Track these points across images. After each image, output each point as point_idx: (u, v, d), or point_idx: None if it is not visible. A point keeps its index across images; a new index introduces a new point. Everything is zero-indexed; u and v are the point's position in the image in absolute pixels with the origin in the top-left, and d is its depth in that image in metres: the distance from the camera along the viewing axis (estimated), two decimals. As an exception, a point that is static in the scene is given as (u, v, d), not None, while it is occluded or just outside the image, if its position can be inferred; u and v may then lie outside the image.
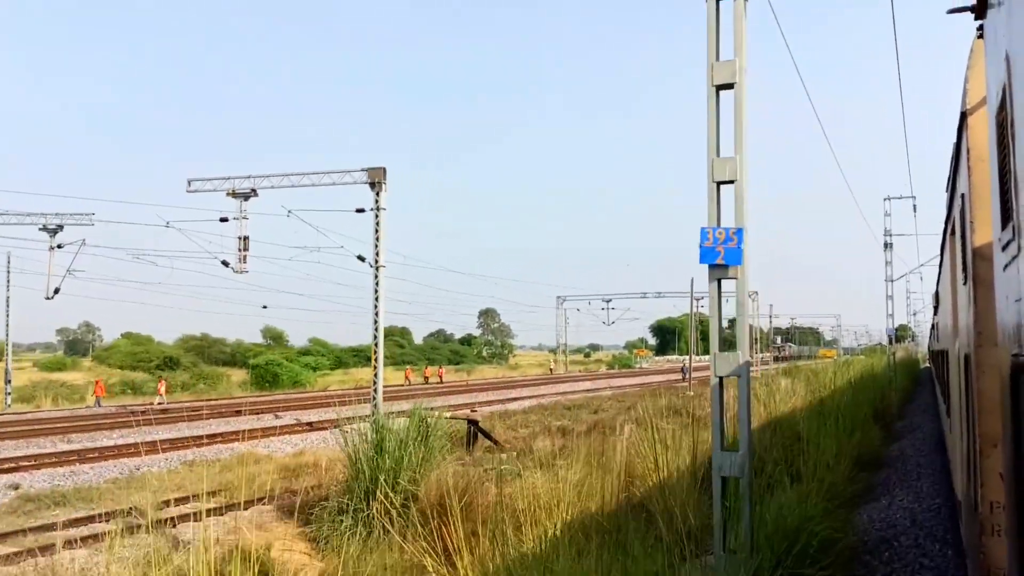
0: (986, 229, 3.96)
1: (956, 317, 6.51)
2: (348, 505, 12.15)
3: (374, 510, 11.54)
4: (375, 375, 25.63)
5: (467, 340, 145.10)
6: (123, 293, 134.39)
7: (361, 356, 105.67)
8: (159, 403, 39.34)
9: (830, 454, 11.60)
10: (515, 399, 40.63)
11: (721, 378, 6.46)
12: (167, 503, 14.23)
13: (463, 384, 62.53)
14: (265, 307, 55.12)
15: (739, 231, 6.13)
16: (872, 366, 34.16)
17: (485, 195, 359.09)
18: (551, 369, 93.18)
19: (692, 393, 32.71)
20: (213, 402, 42.11)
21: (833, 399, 18.39)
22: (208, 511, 13.86)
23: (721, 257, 6.11)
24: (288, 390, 57.23)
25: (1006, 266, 2.63)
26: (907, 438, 18.17)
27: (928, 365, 43.61)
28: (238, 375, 67.58)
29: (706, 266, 6.25)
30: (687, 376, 45.09)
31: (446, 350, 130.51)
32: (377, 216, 25.30)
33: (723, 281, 6.35)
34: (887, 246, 26.98)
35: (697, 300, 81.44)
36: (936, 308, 18.00)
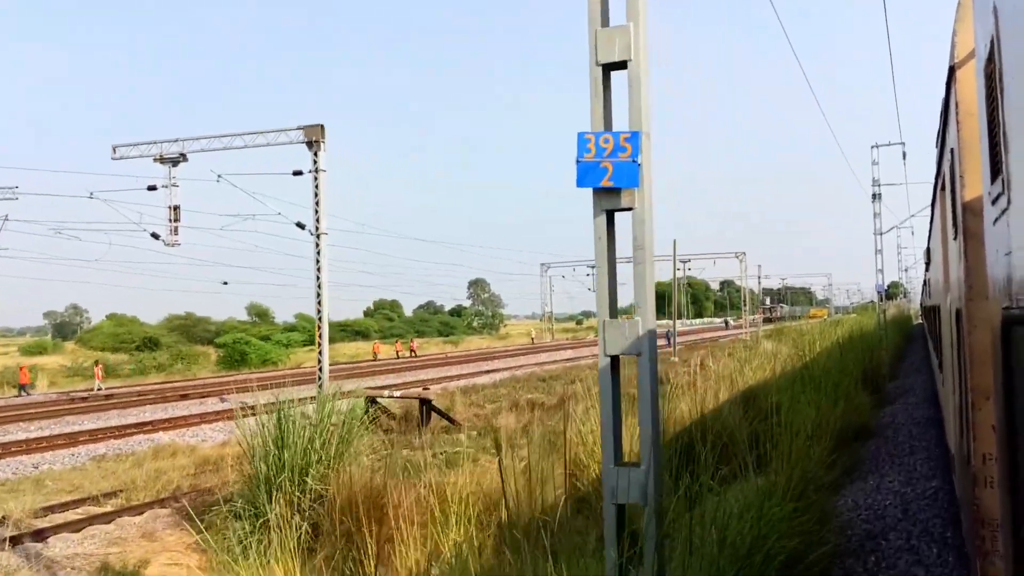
0: (975, 184, 4.01)
1: (947, 272, 6.44)
2: (245, 510, 10.51)
3: (275, 515, 9.93)
4: (319, 353, 23.89)
5: (457, 311, 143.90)
6: (54, 272, 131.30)
7: (349, 331, 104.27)
8: (98, 389, 37.60)
9: (808, 430, 9.94)
10: (490, 371, 38.90)
11: (614, 357, 4.63)
12: (51, 509, 12.59)
13: (440, 357, 60.79)
14: (226, 283, 51.38)
15: (634, 136, 4.18)
16: (862, 325, 32.46)
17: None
18: (532, 339, 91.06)
19: (676, 359, 30.90)
20: (164, 385, 40.44)
21: (817, 363, 17.10)
22: (97, 516, 12.32)
23: (609, 176, 4.17)
24: (256, 369, 55.25)
25: (996, 220, 2.66)
26: (899, 401, 16.77)
27: (921, 321, 42.75)
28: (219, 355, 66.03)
29: (593, 194, 4.33)
30: (671, 342, 43.29)
31: (436, 322, 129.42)
32: (316, 178, 23.31)
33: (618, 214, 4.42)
34: (875, 197, 25.50)
35: (683, 263, 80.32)
36: (928, 264, 18.48)
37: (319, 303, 23.81)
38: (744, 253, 77.89)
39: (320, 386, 21.65)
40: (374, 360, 60.66)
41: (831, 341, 22.41)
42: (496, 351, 66.05)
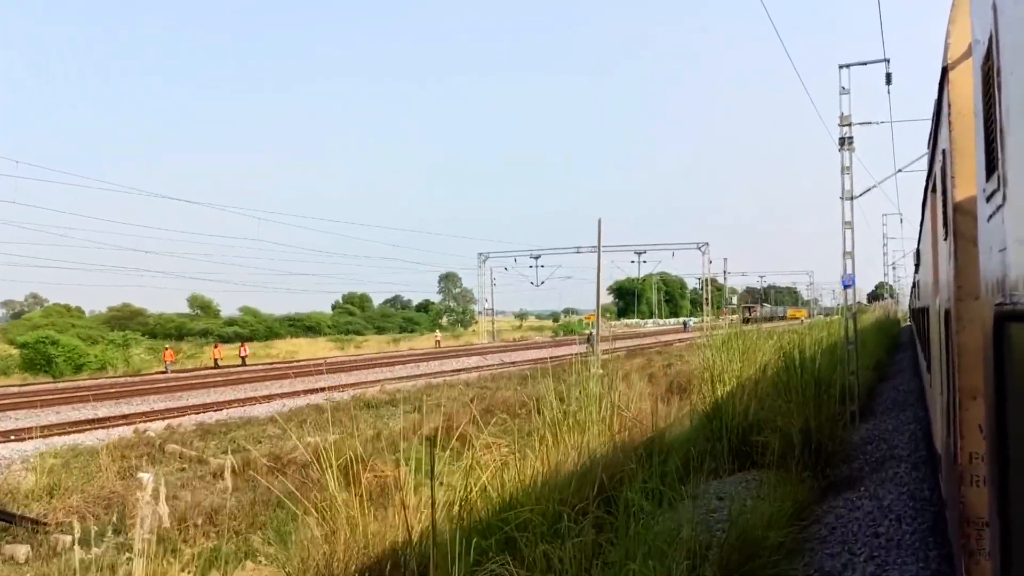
0: (967, 184, 4.27)
1: (937, 273, 6.74)
2: None
3: None
4: None
5: (424, 306, 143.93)
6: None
7: (299, 326, 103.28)
8: None
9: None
10: (323, 388, 30.83)
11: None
12: None
13: (292, 364, 47.32)
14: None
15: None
16: (828, 333, 24.09)
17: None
18: (437, 342, 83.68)
19: (602, 371, 22.86)
20: None
21: (729, 409, 11.93)
22: None
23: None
24: (68, 377, 46.90)
25: (990, 216, 2.81)
26: (864, 486, 9.76)
27: (909, 323, 42.87)
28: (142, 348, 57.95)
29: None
30: (593, 345, 37.20)
31: (399, 317, 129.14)
32: None
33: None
34: (843, 142, 16.87)
35: (638, 255, 75.02)
36: (917, 266, 18.54)
37: None
38: (707, 243, 73.85)
39: None
40: (162, 371, 49.15)
41: (761, 363, 14.89)
42: (384, 357, 57.44)
